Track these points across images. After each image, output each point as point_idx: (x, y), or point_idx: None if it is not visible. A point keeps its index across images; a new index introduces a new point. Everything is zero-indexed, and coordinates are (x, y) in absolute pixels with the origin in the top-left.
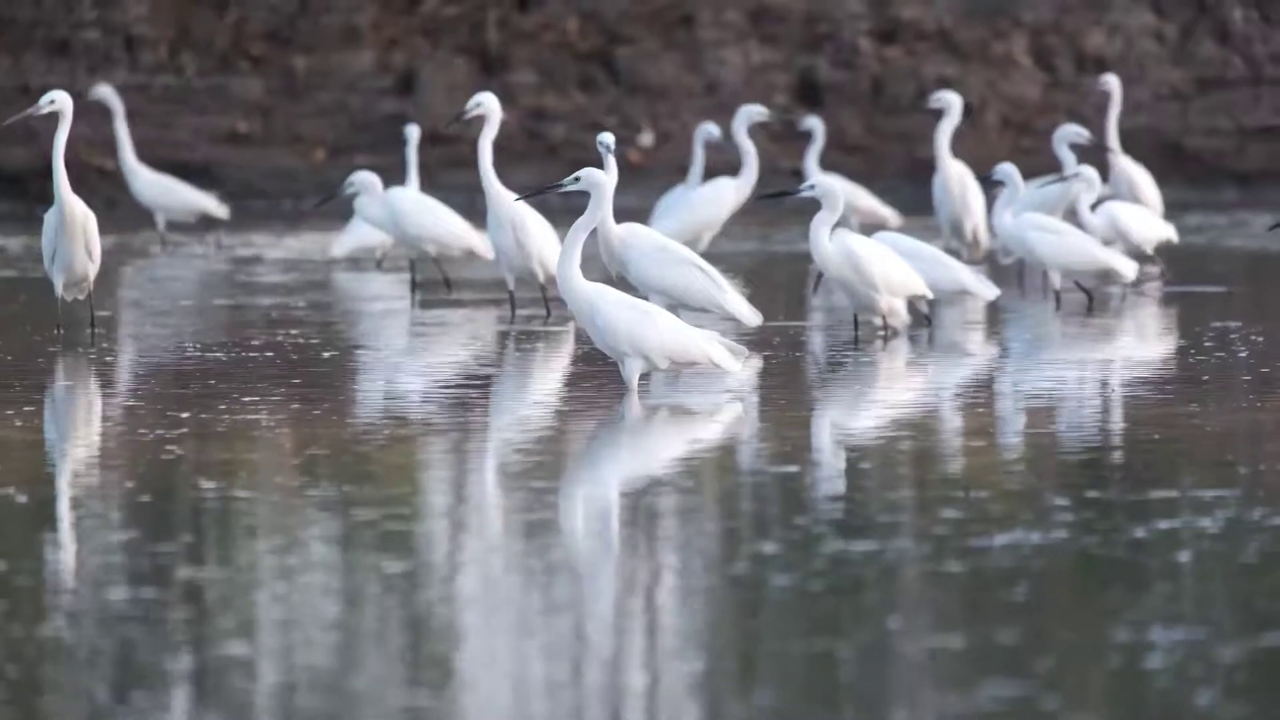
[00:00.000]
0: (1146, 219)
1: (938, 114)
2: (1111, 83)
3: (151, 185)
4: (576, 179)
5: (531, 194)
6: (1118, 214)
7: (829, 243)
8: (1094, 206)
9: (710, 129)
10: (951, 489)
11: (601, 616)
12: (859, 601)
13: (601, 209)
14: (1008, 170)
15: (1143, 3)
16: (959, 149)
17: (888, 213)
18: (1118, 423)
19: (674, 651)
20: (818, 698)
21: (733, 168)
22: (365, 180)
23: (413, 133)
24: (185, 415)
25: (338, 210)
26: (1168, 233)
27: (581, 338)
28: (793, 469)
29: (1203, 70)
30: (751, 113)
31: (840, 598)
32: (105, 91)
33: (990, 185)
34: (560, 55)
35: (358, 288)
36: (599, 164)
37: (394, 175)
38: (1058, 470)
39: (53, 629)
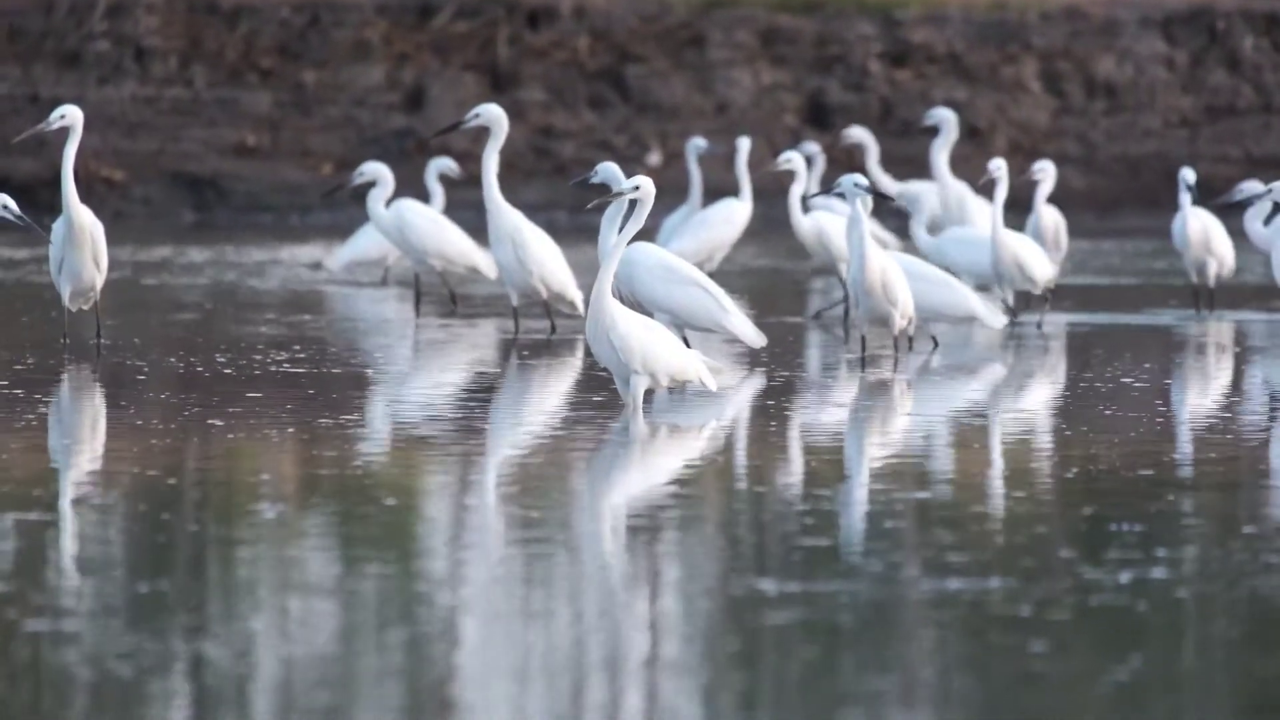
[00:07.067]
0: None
1: (934, 131)
2: (1047, 169)
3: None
4: (636, 187)
5: (598, 205)
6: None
7: (874, 252)
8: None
9: (699, 142)
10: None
11: (602, 645)
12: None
13: (641, 220)
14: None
15: (1153, 30)
16: (966, 173)
17: (886, 236)
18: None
19: (673, 680)
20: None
21: (732, 188)
22: (377, 170)
23: (440, 163)
24: (188, 429)
25: (345, 224)
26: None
27: (587, 353)
28: (796, 488)
29: (1212, 98)
30: (745, 144)
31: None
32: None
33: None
34: (570, 73)
35: (361, 303)
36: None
37: (402, 191)
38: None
39: (54, 650)
